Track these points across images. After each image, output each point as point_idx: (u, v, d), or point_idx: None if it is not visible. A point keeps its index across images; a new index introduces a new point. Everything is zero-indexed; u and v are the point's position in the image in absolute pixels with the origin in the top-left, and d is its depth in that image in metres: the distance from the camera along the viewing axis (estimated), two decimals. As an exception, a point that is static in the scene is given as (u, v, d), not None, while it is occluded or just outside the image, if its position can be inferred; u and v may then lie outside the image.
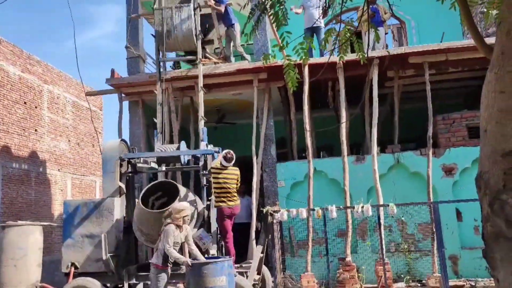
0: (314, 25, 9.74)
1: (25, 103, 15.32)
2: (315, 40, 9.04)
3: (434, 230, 8.20)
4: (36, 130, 15.90)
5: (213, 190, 7.39)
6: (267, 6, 3.09)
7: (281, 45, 3.71)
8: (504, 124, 2.16)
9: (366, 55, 3.96)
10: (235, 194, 7.50)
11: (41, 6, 49.22)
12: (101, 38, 60.45)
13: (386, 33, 10.61)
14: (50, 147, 16.64)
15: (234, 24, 9.79)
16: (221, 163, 7.41)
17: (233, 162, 7.44)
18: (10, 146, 14.46)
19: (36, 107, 16.00)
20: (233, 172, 7.50)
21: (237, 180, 7.58)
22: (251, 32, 3.48)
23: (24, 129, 15.19)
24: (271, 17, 3.45)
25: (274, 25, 3.60)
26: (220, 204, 7.32)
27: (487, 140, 2.26)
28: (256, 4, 2.93)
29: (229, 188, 7.39)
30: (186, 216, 6.15)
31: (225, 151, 7.50)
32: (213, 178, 7.37)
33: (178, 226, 6.07)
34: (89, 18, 57.55)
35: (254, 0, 4.50)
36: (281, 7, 3.34)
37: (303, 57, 3.83)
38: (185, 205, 6.28)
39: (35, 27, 50.29)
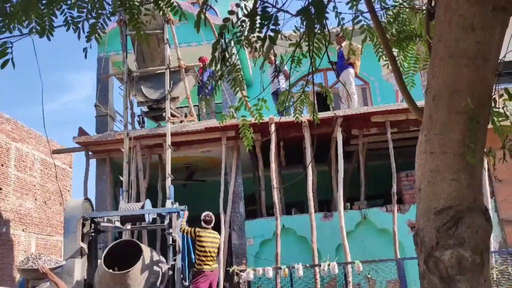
0: (276, 88, 10.16)
1: (-9, 161, 15.03)
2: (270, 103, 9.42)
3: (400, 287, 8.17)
4: (1, 188, 15.48)
5: (196, 253, 7.49)
6: (224, 73, 3.23)
7: (237, 106, 3.86)
8: (435, 183, 2.28)
9: (318, 117, 4.12)
10: (215, 259, 7.64)
11: (21, 73, 50.07)
12: (77, 102, 61.62)
13: (356, 74, 10.85)
14: (15, 206, 16.14)
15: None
16: (201, 225, 7.56)
17: (212, 223, 7.62)
18: (-28, 205, 13.99)
19: (2, 165, 15.68)
20: (216, 236, 7.80)
21: (218, 244, 7.78)
22: (209, 98, 3.63)
23: (-12, 188, 14.79)
24: (230, 82, 3.59)
25: (233, 90, 3.75)
26: (203, 267, 7.41)
27: (421, 198, 2.37)
28: (211, 73, 3.08)
29: (213, 252, 7.53)
30: None
31: (204, 213, 7.69)
32: (198, 241, 7.46)
33: None
34: (67, 84, 59.12)
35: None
36: (237, 74, 3.50)
37: (258, 118, 3.98)
38: None
39: (12, 91, 50.89)
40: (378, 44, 3.53)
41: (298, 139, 10.11)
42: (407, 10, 3.57)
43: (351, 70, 10.20)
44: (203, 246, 7.47)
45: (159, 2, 2.71)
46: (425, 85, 11.57)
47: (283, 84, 10.11)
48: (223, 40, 2.54)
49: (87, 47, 2.67)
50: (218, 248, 7.99)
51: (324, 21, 2.18)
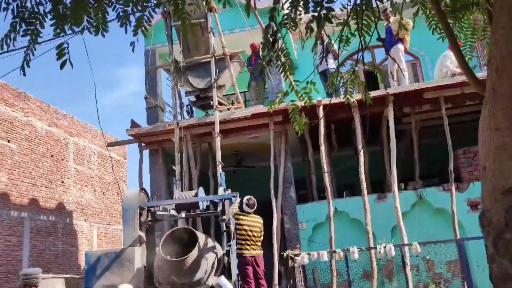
0: (324, 69, 9.89)
1: (52, 155, 15.81)
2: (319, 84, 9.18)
3: (461, 269, 7.89)
4: (62, 181, 16.30)
5: (236, 237, 7.41)
6: (273, 58, 3.18)
7: (285, 91, 3.80)
8: (502, 161, 2.13)
9: (370, 96, 3.98)
10: (259, 244, 7.57)
11: (72, 73, 52.20)
12: (127, 96, 63.64)
13: (406, 50, 10.41)
14: (76, 198, 16.98)
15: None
16: (243, 209, 7.50)
17: (255, 208, 7.57)
18: (37, 199, 14.82)
19: (62, 159, 16.48)
20: (257, 221, 7.62)
21: (261, 229, 7.65)
22: (260, 84, 3.61)
23: (51, 181, 15.60)
24: (279, 67, 3.53)
25: (282, 74, 3.69)
26: (243, 251, 7.37)
27: (487, 177, 2.22)
28: (261, 57, 3.03)
29: (253, 236, 7.48)
30: None
31: (246, 197, 7.63)
32: (237, 224, 7.42)
33: None
34: (116, 80, 61.09)
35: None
36: (286, 58, 3.43)
37: (308, 101, 3.89)
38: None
39: (66, 91, 53.27)
40: (432, 17, 3.34)
41: (347, 120, 9.91)
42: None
43: (400, 46, 9.81)
44: (243, 230, 7.41)
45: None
46: (481, 57, 10.98)
47: (331, 64, 9.86)
48: (273, 23, 2.48)
49: (134, 41, 2.70)
50: (263, 233, 7.86)
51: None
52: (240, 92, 10.79)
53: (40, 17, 2.61)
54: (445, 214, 9.07)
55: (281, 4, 2.35)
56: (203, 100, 9.67)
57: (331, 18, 2.16)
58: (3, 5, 2.61)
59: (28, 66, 2.77)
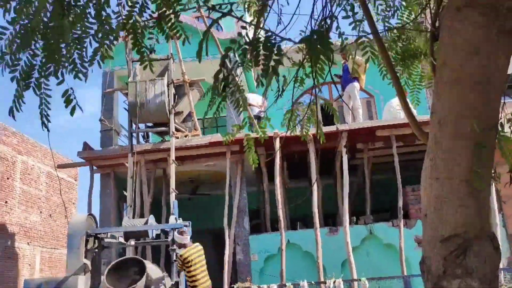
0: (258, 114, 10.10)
1: (-4, 174, 15.07)
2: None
3: (408, 305, 8.05)
4: (6, 202, 15.50)
5: (193, 278, 7.02)
6: (228, 94, 3.21)
7: (240, 125, 3.84)
8: (441, 210, 2.22)
9: (323, 134, 4.08)
10: (206, 272, 7.29)
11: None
12: (85, 116, 62.39)
13: (361, 88, 10.76)
14: (20, 219, 16.14)
15: None
16: (179, 242, 7.07)
17: (188, 234, 7.15)
18: (-23, 219, 14.01)
19: (8, 178, 15.71)
20: (200, 249, 7.21)
21: (203, 257, 7.34)
22: (213, 116, 3.61)
23: (-7, 202, 14.82)
24: (232, 103, 3.57)
25: (235, 110, 3.73)
26: (208, 283, 7.09)
27: (427, 225, 2.30)
28: (214, 93, 3.07)
29: (202, 266, 7.20)
30: None
31: (176, 230, 7.18)
32: (191, 265, 6.98)
33: None
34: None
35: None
36: (240, 94, 3.48)
37: (262, 137, 3.95)
38: None
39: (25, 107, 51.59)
40: (382, 65, 3.50)
41: (302, 153, 10.06)
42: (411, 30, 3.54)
43: (356, 84, 10.17)
44: (197, 266, 6.99)
45: (162, 25, 2.70)
46: (430, 101, 11.51)
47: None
48: (224, 69, 2.52)
49: (87, 70, 2.67)
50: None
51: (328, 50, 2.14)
52: (198, 119, 10.77)
53: (41, 69, 2.61)
54: (394, 250, 9.28)
55: (238, 43, 2.40)
56: (160, 125, 9.59)
57: (277, 72, 2.22)
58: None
59: (49, 121, 2.78)
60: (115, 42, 2.72)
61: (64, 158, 17.86)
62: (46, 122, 2.89)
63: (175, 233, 7.09)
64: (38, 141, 17.88)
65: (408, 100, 3.46)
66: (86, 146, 10.23)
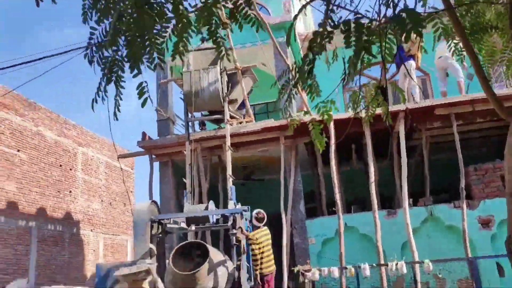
0: None
1: (60, 165, 15.89)
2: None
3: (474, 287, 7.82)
4: (70, 191, 16.36)
5: (252, 257, 7.41)
6: (300, 81, 3.23)
7: (305, 111, 3.85)
8: (528, 188, 2.15)
9: (390, 117, 4.00)
10: (272, 257, 7.64)
11: (80, 81, 52.93)
12: (134, 108, 64.42)
13: (417, 67, 10.46)
14: (83, 208, 17.02)
15: None
16: (253, 224, 7.52)
17: (264, 222, 7.57)
18: (45, 208, 14.87)
19: (70, 169, 16.55)
20: (267, 233, 7.65)
21: (270, 242, 7.73)
22: (284, 108, 3.66)
23: (59, 191, 15.66)
24: (305, 89, 3.57)
25: (307, 96, 3.73)
26: (263, 270, 7.42)
27: (513, 204, 2.24)
28: (287, 80, 3.09)
29: (267, 251, 7.54)
30: None
31: (255, 211, 7.61)
32: (253, 244, 7.45)
33: None
34: (125, 91, 62.08)
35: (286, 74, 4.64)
36: (313, 81, 3.47)
37: (327, 119, 3.93)
38: None
39: (76, 100, 53.92)
40: (451, 41, 3.37)
41: (358, 134, 9.91)
42: (481, 2, 3.38)
43: (412, 62, 9.84)
44: (257, 248, 7.45)
45: (237, 15, 2.75)
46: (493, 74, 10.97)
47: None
48: (311, 53, 2.53)
49: (165, 63, 2.77)
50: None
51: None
52: (251, 105, 10.85)
53: (120, 63, 2.77)
54: (456, 231, 9.03)
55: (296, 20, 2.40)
56: (214, 113, 9.74)
57: (371, 51, 2.20)
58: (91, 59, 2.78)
59: (119, 111, 2.95)
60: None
61: (120, 148, 18.56)
62: (117, 112, 3.03)
63: (253, 217, 7.57)
64: (95, 132, 18.68)
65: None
66: (144, 135, 10.57)
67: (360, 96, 3.84)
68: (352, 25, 2.12)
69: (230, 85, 9.22)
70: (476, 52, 3.83)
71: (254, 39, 10.34)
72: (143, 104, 2.90)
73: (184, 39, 2.67)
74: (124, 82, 3.05)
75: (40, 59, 8.21)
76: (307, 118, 5.12)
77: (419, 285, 8.18)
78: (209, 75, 9.28)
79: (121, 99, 3.05)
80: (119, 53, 2.70)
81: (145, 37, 2.54)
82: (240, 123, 9.99)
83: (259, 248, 7.41)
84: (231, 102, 9.33)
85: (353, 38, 2.08)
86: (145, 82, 2.78)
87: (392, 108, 9.17)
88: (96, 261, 16.98)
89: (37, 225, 14.33)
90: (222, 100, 9.19)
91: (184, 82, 9.19)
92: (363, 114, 4.03)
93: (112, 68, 2.69)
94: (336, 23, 2.26)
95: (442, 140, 10.38)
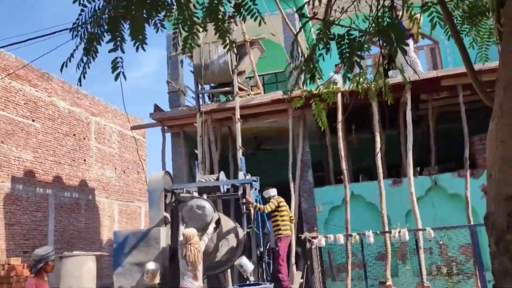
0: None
1: (74, 134, 16.31)
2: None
3: (474, 253, 8.16)
4: (85, 160, 16.84)
5: (278, 219, 7.92)
6: (303, 68, 3.45)
7: (309, 90, 4.06)
8: (505, 171, 2.38)
9: (391, 95, 4.20)
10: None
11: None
12: (143, 77, 64.33)
13: (416, 42, 10.63)
14: (98, 176, 17.54)
15: None
16: (262, 195, 7.98)
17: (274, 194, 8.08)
18: (61, 176, 15.39)
19: (84, 138, 16.98)
20: (284, 201, 8.15)
21: None
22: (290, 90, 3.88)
23: (73, 160, 16.14)
24: (307, 75, 3.80)
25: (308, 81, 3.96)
26: (288, 231, 7.91)
27: (492, 184, 2.48)
28: (294, 67, 3.32)
29: (290, 216, 8.08)
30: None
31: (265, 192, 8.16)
32: (279, 207, 7.98)
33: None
34: (133, 60, 61.70)
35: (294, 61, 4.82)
36: (316, 67, 3.70)
37: (331, 100, 4.16)
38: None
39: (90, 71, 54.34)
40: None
41: (365, 104, 10.07)
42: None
43: (410, 41, 9.98)
44: (284, 212, 7.96)
45: (241, 9, 2.95)
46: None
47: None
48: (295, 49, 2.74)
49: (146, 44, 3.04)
50: None
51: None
52: (259, 75, 10.99)
53: (99, 37, 3.01)
54: (459, 200, 9.28)
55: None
56: (224, 85, 9.94)
57: (361, 66, 2.42)
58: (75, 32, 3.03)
59: (84, 78, 3.17)
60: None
61: (131, 117, 18.88)
62: (83, 79, 3.33)
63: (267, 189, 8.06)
64: (107, 102, 18.99)
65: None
66: (156, 108, 10.85)
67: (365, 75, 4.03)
68: (346, 40, 2.32)
69: (238, 57, 9.37)
70: (475, 34, 3.99)
71: (262, 10, 10.39)
72: (116, 78, 3.17)
73: (193, 34, 2.89)
74: (98, 53, 3.33)
75: (53, 33, 8.42)
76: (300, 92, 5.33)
77: (421, 251, 8.53)
78: (218, 48, 9.43)
79: (89, 67, 3.34)
80: (101, 28, 2.98)
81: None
82: (249, 95, 10.19)
83: (281, 213, 7.97)
84: (239, 73, 9.51)
85: (346, 50, 2.28)
86: (121, 58, 3.07)
87: (397, 80, 9.28)
88: (111, 227, 17.66)
89: (53, 192, 14.88)
90: (231, 73, 9.38)
91: (194, 55, 9.37)
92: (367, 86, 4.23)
93: (92, 41, 2.97)
94: (332, 35, 2.46)
95: (449, 110, 10.49)
